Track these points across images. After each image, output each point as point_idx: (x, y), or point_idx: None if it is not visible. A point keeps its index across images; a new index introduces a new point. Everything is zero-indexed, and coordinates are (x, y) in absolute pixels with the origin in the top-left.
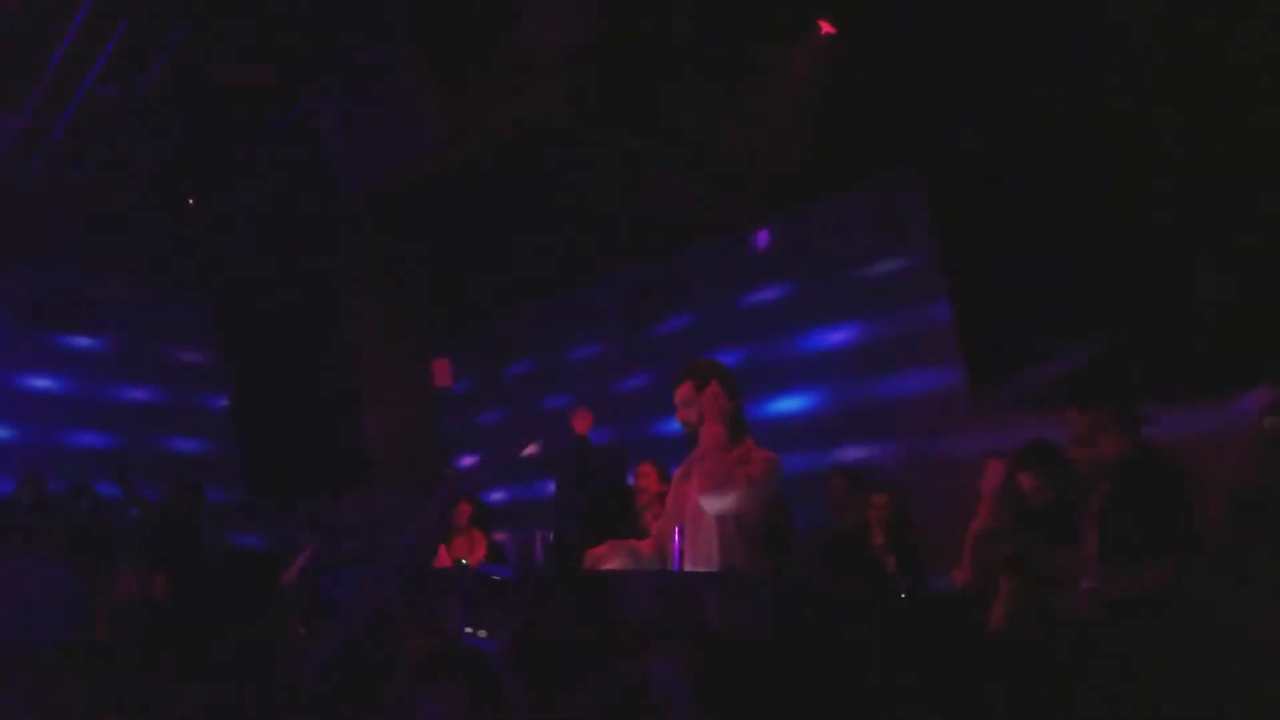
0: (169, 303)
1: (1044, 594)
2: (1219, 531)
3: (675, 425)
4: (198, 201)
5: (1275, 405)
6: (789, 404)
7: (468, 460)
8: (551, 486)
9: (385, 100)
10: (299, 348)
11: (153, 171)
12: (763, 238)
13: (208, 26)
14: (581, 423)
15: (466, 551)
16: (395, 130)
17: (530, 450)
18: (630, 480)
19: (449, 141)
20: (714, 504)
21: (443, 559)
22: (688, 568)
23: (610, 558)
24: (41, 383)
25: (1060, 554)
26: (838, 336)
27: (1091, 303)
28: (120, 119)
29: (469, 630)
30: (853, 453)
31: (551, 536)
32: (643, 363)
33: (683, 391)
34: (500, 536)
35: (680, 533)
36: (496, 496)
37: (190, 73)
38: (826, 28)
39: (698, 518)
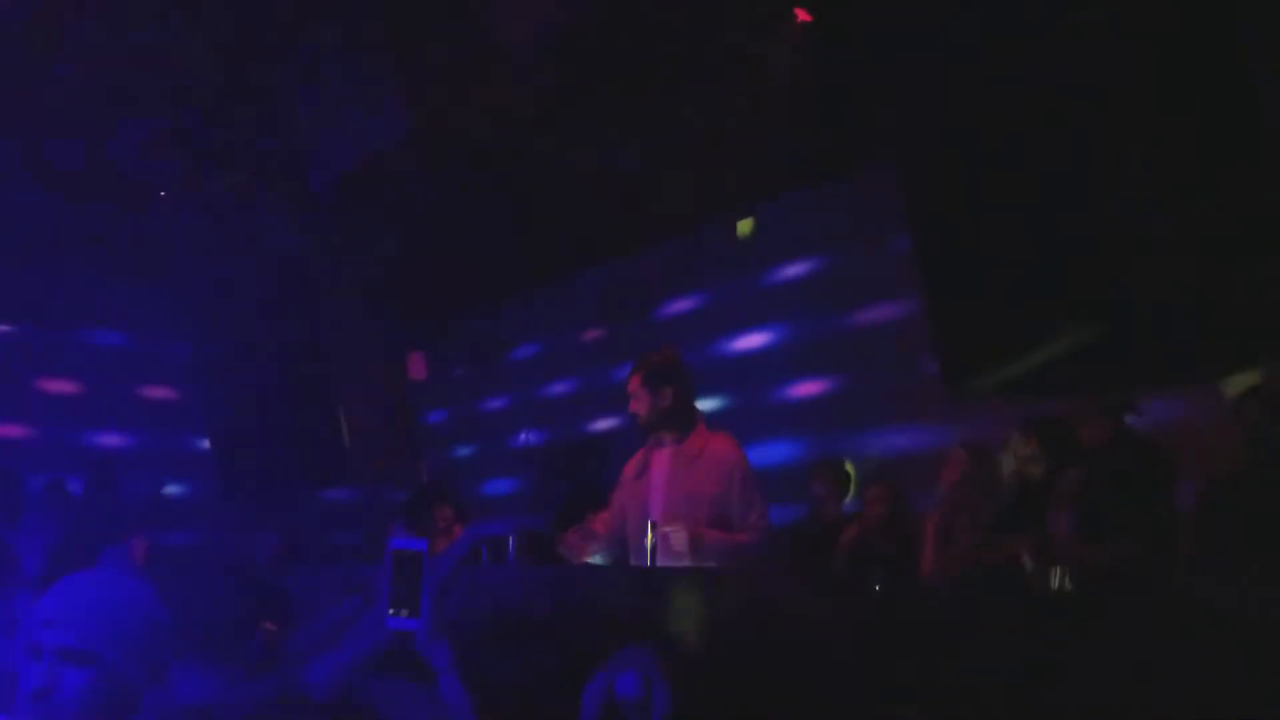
0: (141, 298)
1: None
2: (1197, 517)
3: None
4: (168, 194)
5: (1249, 392)
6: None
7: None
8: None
9: (352, 91)
10: (272, 341)
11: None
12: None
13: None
14: None
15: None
16: (362, 121)
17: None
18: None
19: (417, 134)
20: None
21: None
22: (660, 564)
23: (583, 547)
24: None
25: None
26: (812, 330)
27: (1070, 293)
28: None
29: (390, 612)
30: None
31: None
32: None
33: (631, 384)
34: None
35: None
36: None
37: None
38: (803, 15)
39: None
